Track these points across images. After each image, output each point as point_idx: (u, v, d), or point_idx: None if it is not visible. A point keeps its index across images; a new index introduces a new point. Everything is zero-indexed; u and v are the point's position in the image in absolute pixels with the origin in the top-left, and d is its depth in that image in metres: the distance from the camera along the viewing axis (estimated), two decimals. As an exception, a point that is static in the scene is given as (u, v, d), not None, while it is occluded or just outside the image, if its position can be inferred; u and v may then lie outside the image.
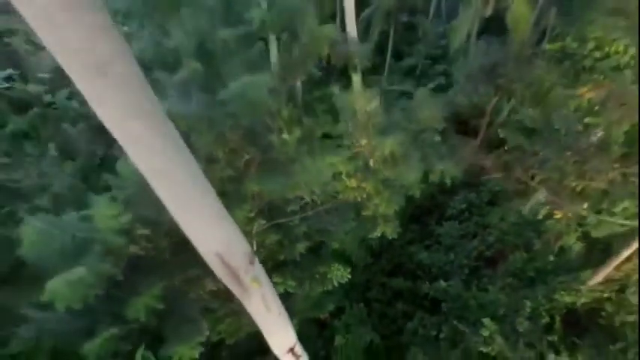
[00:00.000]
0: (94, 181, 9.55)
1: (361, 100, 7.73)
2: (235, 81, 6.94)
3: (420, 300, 13.52)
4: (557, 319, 10.12)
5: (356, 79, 8.09)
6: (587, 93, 9.46)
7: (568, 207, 8.95)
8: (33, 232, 5.77)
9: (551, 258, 10.74)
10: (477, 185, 16.48)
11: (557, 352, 9.20)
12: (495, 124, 16.83)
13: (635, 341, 8.93)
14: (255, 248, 10.23)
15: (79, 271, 5.29)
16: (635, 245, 8.46)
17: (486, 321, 9.49)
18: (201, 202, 3.89)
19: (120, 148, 3.45)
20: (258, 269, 4.61)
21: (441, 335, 11.27)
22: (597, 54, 10.07)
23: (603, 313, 9.69)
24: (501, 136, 13.08)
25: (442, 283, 11.98)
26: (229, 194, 8.63)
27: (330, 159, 8.20)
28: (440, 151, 8.57)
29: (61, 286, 5.17)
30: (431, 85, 28.63)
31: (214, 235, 4.07)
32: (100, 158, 10.66)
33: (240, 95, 6.76)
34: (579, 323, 10.11)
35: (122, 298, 6.73)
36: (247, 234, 9.50)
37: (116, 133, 3.29)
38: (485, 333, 9.49)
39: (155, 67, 9.01)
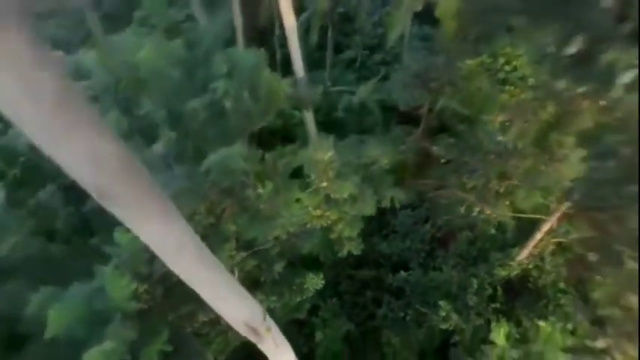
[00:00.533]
0: (79, 245, 10.24)
1: (318, 153, 9.07)
2: (212, 151, 8.06)
3: (386, 286, 15.23)
4: (499, 290, 12.15)
5: (311, 127, 9.23)
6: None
7: (493, 209, 10.85)
8: (61, 311, 6.76)
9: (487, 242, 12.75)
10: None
11: (499, 318, 11.22)
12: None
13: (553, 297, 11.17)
14: (236, 275, 11.54)
15: (110, 343, 6.38)
16: (544, 228, 10.59)
17: (442, 303, 11.32)
18: (221, 282, 5.07)
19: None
20: (269, 320, 5.91)
21: (408, 317, 13.06)
22: (507, 67, 11.90)
23: (530, 279, 11.87)
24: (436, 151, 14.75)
25: (402, 273, 13.71)
26: (211, 237, 9.83)
27: (297, 194, 9.57)
28: (388, 180, 10.06)
29: (99, 357, 6.25)
30: (373, 80, 30.06)
31: (239, 309, 5.31)
32: (78, 219, 11.03)
33: (220, 164, 7.90)
34: (514, 290, 12.19)
35: (136, 351, 7.87)
36: (229, 265, 10.78)
37: (140, 235, 4.01)
38: (443, 313, 11.34)
39: (130, 138, 9.86)
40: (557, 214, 10.13)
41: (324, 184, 9.22)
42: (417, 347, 12.70)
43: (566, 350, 9.36)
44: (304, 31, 30.60)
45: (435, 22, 23.54)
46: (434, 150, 20.43)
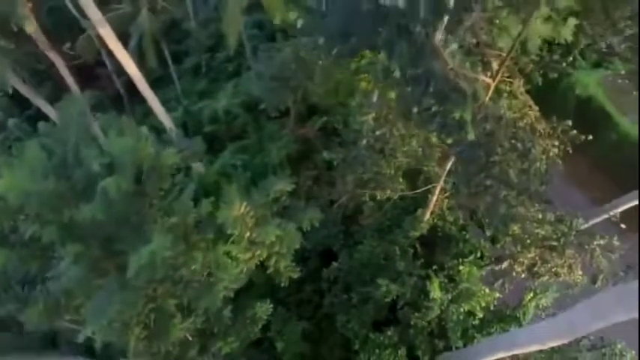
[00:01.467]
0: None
1: (234, 209, 8.99)
2: (132, 253, 7.55)
3: (322, 277, 15.92)
4: (418, 247, 13.62)
5: (230, 190, 8.99)
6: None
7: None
8: None
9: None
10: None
11: (428, 272, 12.70)
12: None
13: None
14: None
15: None
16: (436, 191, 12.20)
17: (380, 280, 12.38)
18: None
19: None
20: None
21: (353, 299, 13.97)
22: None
23: (439, 230, 13.55)
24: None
25: (333, 264, 14.49)
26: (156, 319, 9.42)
27: (225, 249, 9.50)
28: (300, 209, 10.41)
29: None
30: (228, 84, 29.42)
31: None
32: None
33: (148, 265, 7.47)
34: (429, 242, 13.78)
35: None
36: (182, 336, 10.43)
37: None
38: (383, 288, 12.43)
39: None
40: (442, 178, 11.66)
41: (247, 234, 9.28)
42: (370, 320, 13.73)
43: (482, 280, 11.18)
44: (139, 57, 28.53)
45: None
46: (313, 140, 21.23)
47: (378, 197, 12.61)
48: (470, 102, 6.21)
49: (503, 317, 11.98)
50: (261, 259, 9.93)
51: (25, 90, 12.84)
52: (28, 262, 8.65)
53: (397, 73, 6.80)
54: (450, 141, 9.08)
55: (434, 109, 6.58)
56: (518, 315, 11.82)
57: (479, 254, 12.97)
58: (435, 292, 11.53)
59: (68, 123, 8.83)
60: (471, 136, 6.40)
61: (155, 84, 29.31)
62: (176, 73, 31.88)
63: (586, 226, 12.27)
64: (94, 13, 12.44)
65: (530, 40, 7.85)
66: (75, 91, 16.11)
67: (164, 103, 31.24)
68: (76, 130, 8.64)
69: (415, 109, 7.20)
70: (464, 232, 13.50)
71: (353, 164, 12.12)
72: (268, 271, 10.19)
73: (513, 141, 7.87)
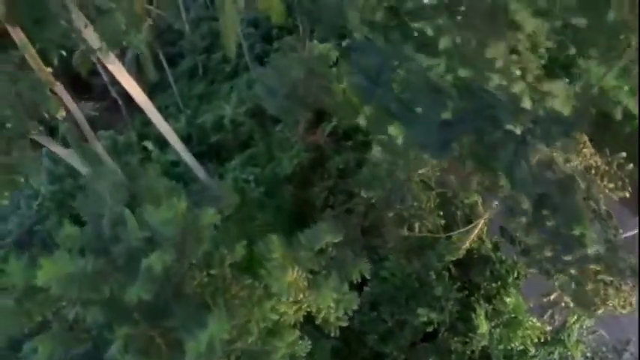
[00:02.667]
0: None
1: (287, 276, 8.37)
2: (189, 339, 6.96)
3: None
4: (452, 269, 13.18)
5: (274, 244, 8.32)
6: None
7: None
8: None
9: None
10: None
11: (467, 298, 12.32)
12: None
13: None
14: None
15: None
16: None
17: (420, 310, 11.97)
18: None
19: None
20: None
21: (389, 324, 13.57)
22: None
23: (474, 252, 13.08)
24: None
25: (365, 289, 13.98)
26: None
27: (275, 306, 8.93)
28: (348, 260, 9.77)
29: None
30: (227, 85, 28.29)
31: None
32: None
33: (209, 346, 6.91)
34: (463, 264, 13.34)
35: None
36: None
37: None
38: (423, 318, 12.02)
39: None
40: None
41: (300, 296, 8.71)
42: (407, 344, 13.42)
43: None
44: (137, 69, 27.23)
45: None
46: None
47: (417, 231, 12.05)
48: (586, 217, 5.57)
49: (547, 340, 11.74)
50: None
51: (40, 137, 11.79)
52: (74, 347, 7.98)
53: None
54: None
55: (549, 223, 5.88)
56: (562, 337, 11.57)
57: (515, 274, 12.61)
58: (482, 326, 11.19)
59: (102, 196, 8.03)
60: (590, 250, 5.74)
61: (152, 90, 28.05)
62: (172, 77, 30.53)
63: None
64: (89, 32, 11.25)
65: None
66: (89, 134, 15.06)
67: (163, 109, 30.06)
68: (112, 204, 7.87)
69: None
70: (498, 252, 13.09)
71: (390, 200, 11.49)
72: (316, 322, 9.67)
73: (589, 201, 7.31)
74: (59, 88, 12.60)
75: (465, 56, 4.76)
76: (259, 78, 25.20)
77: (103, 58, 11.51)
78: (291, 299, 8.73)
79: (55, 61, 12.00)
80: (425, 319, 11.95)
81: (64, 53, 13.65)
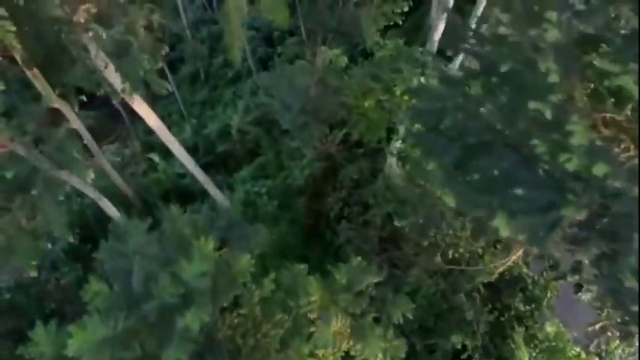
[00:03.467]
0: None
1: (332, 328, 7.80)
2: None
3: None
4: (482, 290, 12.69)
5: (312, 285, 7.72)
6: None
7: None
8: None
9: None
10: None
11: (499, 320, 11.86)
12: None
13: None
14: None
15: None
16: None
17: (454, 337, 11.48)
18: None
19: None
20: None
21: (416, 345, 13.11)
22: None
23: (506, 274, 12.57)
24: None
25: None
26: None
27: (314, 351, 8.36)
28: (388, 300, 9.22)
29: None
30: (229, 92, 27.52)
31: None
32: None
33: None
34: (493, 285, 12.84)
35: None
36: None
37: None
38: (458, 346, 11.54)
39: None
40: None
41: (344, 346, 8.16)
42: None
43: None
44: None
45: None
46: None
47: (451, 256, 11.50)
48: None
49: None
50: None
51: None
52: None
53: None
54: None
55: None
56: (604, 364, 11.20)
57: (549, 294, 12.15)
58: (523, 354, 10.75)
59: (131, 252, 7.40)
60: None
61: (154, 97, 27.20)
62: (174, 83, 29.61)
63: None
64: (110, 72, 10.61)
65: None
66: (93, 146, 14.37)
67: (167, 116, 29.21)
68: (142, 260, 7.24)
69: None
70: (526, 270, 12.61)
71: (425, 227, 10.93)
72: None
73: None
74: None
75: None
76: (264, 85, 24.49)
77: (128, 99, 10.85)
78: (335, 349, 8.19)
79: (76, 108, 11.34)
80: (459, 346, 11.48)
81: (84, 98, 12.97)
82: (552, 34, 4.58)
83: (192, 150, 24.25)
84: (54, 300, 13.68)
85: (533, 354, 11.16)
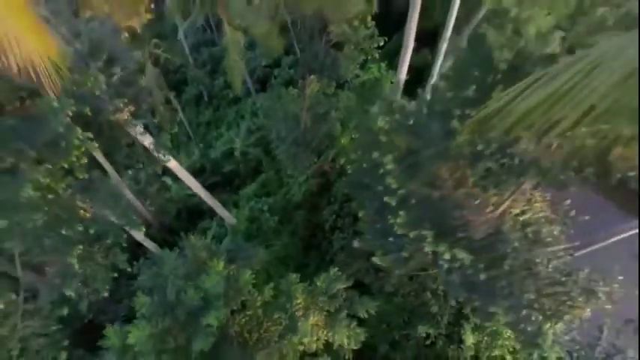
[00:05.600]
0: None
1: (310, 322, 11.44)
2: None
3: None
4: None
5: (298, 291, 11.27)
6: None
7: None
8: None
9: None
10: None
11: (460, 314, 15.35)
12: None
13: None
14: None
15: None
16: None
17: (420, 327, 15.02)
18: None
19: None
20: None
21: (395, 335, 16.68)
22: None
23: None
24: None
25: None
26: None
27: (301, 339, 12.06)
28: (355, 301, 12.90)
29: None
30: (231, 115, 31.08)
31: None
32: None
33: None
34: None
35: None
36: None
37: None
38: (423, 334, 15.08)
39: None
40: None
41: (320, 333, 11.81)
42: (412, 355, 16.52)
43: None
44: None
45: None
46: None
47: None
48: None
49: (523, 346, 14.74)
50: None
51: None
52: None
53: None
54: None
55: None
56: (539, 342, 14.56)
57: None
58: (469, 339, 14.26)
59: (166, 273, 11.15)
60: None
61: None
62: (179, 105, 33.31)
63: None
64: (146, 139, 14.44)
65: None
66: (109, 168, 18.02)
67: (175, 138, 33.13)
68: (174, 278, 10.98)
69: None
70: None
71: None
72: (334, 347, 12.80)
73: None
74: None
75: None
76: (263, 107, 28.19)
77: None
78: (314, 337, 11.83)
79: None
80: (424, 335, 15.03)
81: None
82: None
83: (200, 171, 28.15)
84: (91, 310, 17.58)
85: (482, 338, 14.63)
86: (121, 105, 11.44)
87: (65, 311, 11.10)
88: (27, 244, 8.74)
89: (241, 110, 32.03)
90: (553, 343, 14.57)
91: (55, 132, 8.07)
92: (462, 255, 9.15)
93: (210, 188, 24.47)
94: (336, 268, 13.24)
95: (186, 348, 11.00)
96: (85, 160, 9.07)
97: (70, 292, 10.21)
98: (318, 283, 12.60)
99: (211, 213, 24.79)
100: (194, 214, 25.74)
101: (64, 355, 11.02)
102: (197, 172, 27.06)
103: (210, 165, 27.47)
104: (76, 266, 9.79)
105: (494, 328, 14.44)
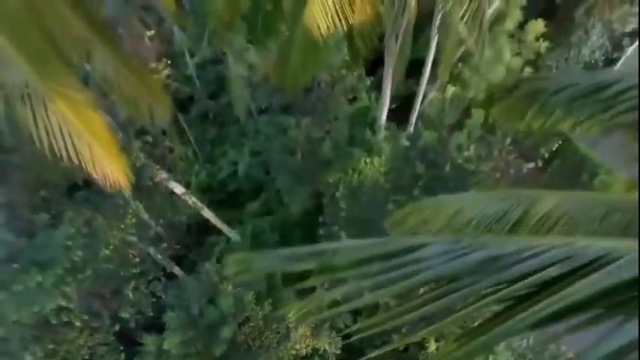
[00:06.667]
0: None
1: (300, 332, 15.56)
2: None
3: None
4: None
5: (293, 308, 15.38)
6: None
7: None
8: None
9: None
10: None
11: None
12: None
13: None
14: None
15: None
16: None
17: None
18: None
19: None
20: None
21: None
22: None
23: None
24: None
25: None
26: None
27: (294, 346, 16.19)
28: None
29: None
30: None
31: None
32: None
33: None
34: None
35: None
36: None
37: None
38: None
39: None
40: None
41: (307, 342, 15.94)
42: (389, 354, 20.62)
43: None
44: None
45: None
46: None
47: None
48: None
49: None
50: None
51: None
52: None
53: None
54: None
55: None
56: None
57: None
58: (432, 346, 18.30)
59: (190, 295, 15.29)
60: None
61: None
62: (185, 123, 37.21)
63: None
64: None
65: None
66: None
67: (184, 157, 37.21)
68: (196, 299, 15.12)
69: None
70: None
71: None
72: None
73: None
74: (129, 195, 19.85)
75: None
76: (264, 131, 32.15)
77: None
78: (303, 344, 15.93)
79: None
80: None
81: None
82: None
83: (207, 190, 32.24)
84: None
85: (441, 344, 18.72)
86: (156, 171, 15.53)
87: (117, 327, 15.39)
88: (100, 284, 12.80)
89: (245, 128, 35.95)
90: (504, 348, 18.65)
91: (117, 203, 12.04)
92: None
93: (216, 205, 28.64)
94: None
95: (205, 353, 15.17)
96: (134, 219, 13.18)
97: (125, 314, 14.44)
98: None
99: (219, 228, 28.91)
100: (202, 230, 29.89)
101: (122, 355, 15.32)
102: (205, 192, 31.15)
103: (217, 185, 31.52)
104: (130, 296, 13.96)
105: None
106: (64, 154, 9.09)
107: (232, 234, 25.83)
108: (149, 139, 17.85)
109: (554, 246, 2.84)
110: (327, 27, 11.30)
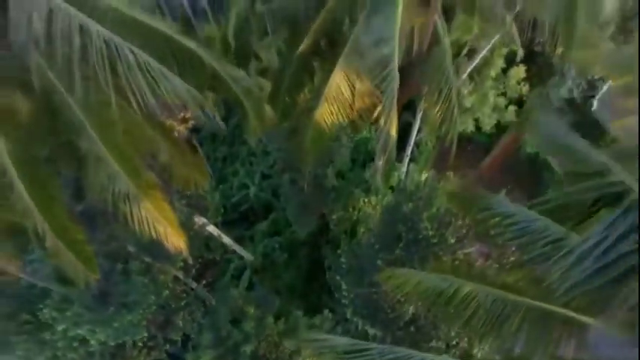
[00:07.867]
0: None
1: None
2: None
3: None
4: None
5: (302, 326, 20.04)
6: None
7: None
8: None
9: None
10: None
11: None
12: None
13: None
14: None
15: None
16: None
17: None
18: None
19: None
20: None
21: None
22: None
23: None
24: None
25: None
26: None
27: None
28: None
29: None
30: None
31: None
32: None
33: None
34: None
35: None
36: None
37: None
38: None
39: None
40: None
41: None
42: None
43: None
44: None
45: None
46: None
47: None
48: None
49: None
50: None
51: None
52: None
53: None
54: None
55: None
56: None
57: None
58: None
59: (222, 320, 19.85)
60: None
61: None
62: (197, 141, 41.34)
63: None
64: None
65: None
66: None
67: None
68: (225, 323, 19.67)
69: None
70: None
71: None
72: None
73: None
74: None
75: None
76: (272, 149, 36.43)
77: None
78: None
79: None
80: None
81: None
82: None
83: (220, 209, 36.59)
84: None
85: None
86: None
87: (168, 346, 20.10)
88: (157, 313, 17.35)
89: (254, 150, 40.19)
90: None
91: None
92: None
93: (229, 224, 33.19)
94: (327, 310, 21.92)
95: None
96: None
97: (176, 338, 19.11)
98: (316, 322, 21.30)
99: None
100: (218, 247, 34.42)
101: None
102: (218, 211, 35.60)
103: (229, 205, 35.96)
104: (181, 324, 18.54)
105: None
106: (146, 230, 13.57)
107: (244, 252, 30.30)
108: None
109: None
110: (332, 122, 15.79)
